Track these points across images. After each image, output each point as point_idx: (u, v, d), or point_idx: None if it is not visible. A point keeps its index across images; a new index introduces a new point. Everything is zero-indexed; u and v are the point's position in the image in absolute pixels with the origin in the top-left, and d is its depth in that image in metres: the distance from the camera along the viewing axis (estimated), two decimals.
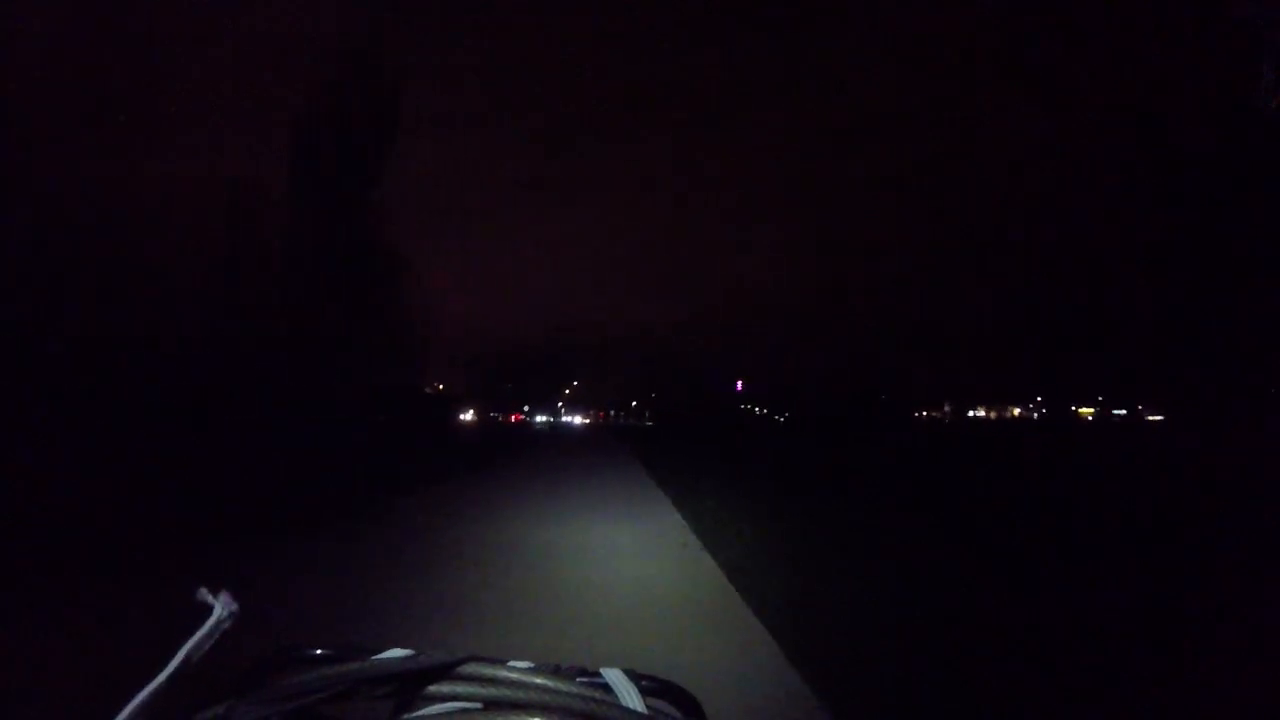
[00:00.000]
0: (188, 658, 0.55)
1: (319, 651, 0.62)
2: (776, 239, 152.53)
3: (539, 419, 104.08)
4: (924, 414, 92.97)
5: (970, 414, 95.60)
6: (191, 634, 0.55)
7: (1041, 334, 65.90)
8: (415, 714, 0.58)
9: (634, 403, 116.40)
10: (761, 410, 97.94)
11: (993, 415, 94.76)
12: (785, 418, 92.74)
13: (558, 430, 67.80)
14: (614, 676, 0.63)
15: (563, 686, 0.59)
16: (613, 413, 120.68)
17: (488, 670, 0.60)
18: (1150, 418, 74.41)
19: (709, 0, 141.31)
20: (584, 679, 0.63)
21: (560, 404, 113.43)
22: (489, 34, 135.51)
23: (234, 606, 0.58)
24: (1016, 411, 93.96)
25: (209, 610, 0.57)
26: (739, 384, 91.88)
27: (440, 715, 0.58)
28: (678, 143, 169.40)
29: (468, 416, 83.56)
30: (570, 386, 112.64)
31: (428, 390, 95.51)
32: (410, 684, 0.59)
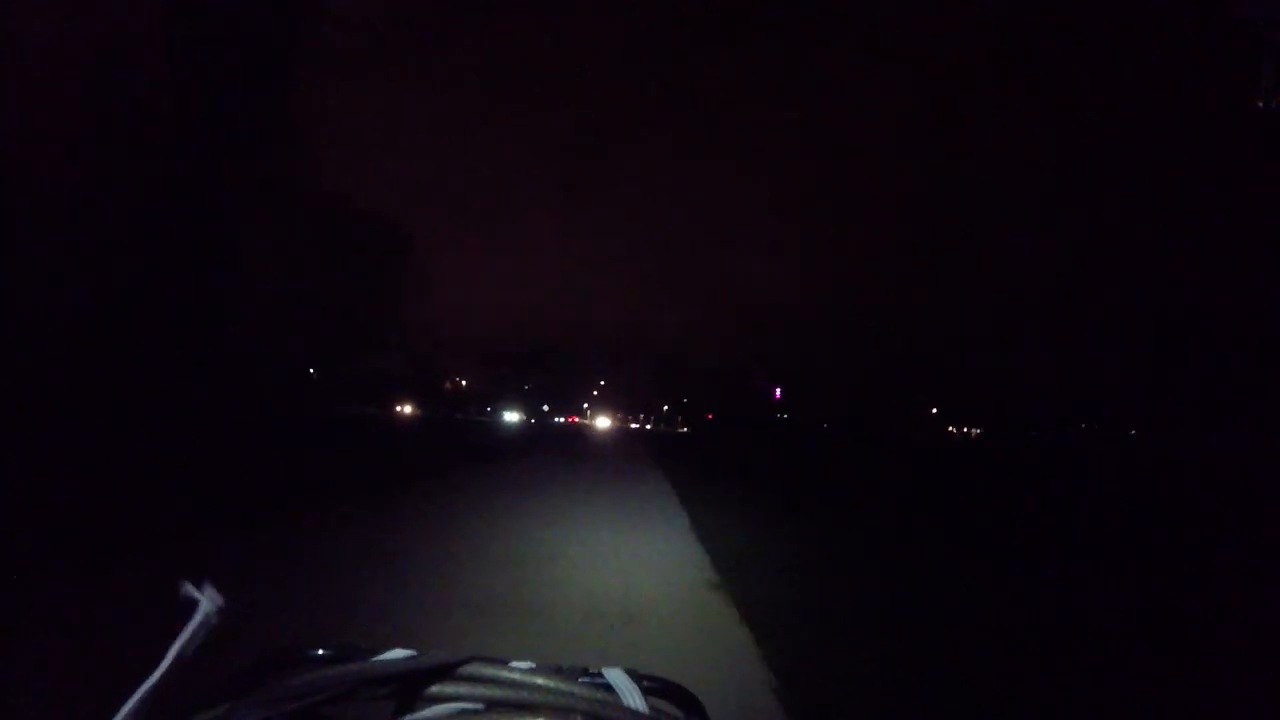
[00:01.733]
0: (180, 654, 0.55)
1: (320, 652, 0.65)
2: (807, 243, 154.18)
3: (508, 416, 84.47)
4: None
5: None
6: (181, 631, 0.56)
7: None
8: (417, 715, 0.60)
9: (665, 407, 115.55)
10: (793, 417, 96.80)
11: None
12: (825, 427, 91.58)
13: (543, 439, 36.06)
14: (616, 676, 0.65)
15: (565, 687, 0.61)
16: (641, 416, 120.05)
17: (489, 670, 0.62)
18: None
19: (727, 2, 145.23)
20: (586, 679, 0.64)
21: (586, 405, 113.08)
22: (512, 37, 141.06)
23: (220, 599, 0.59)
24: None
25: (195, 605, 0.58)
26: (777, 391, 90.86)
27: (442, 716, 0.60)
28: (694, 145, 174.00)
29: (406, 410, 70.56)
30: (597, 387, 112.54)
31: (448, 386, 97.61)
32: (411, 684, 0.61)
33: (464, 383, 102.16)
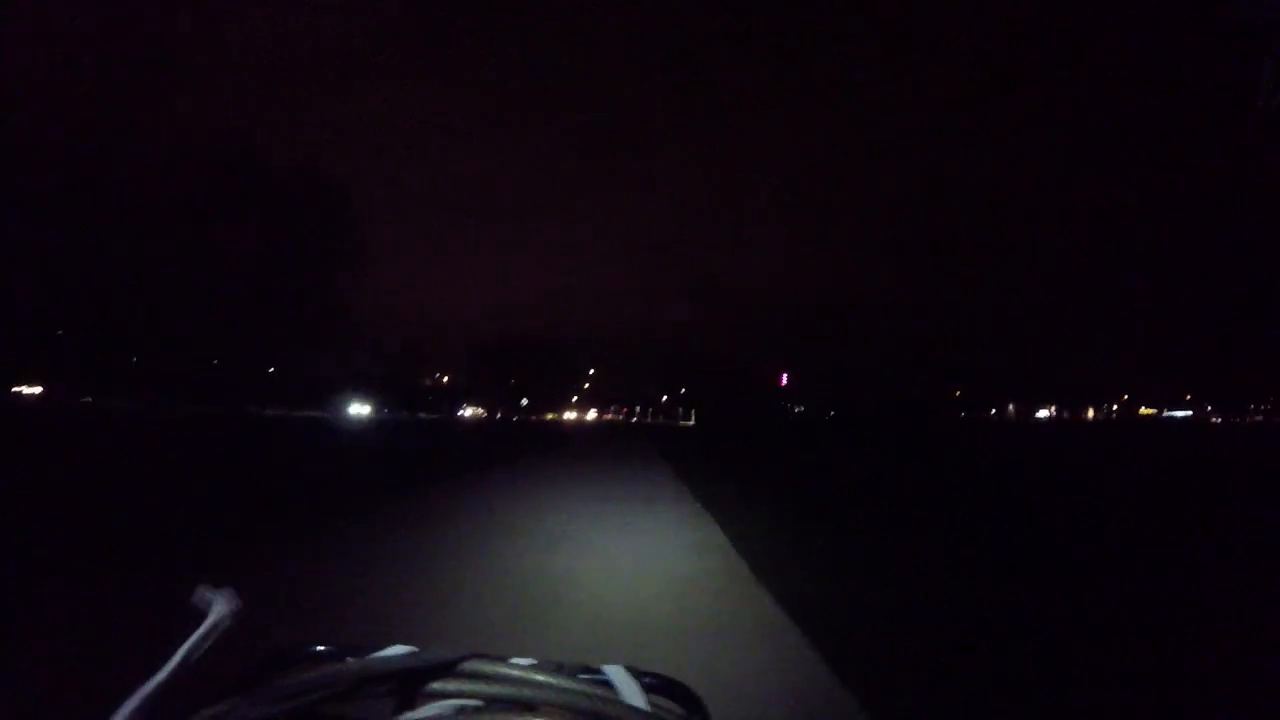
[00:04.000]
0: (186, 657, 0.57)
1: (320, 649, 0.68)
2: (808, 237, 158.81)
3: (354, 409, 69.92)
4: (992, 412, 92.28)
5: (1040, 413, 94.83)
6: (191, 632, 0.59)
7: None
8: (417, 712, 0.62)
9: (664, 398, 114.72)
10: (798, 407, 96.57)
11: (1064, 415, 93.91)
12: (832, 416, 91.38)
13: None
14: (616, 673, 0.67)
15: (565, 683, 0.63)
16: (639, 408, 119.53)
17: (489, 667, 0.64)
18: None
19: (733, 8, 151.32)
20: (586, 676, 0.66)
21: (575, 399, 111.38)
22: (517, 36, 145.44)
23: (235, 605, 0.61)
24: (1091, 413, 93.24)
25: (208, 608, 0.61)
26: (784, 377, 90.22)
27: (442, 713, 0.62)
28: (692, 141, 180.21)
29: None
30: (588, 379, 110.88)
31: (427, 382, 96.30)
32: (411, 682, 0.63)
33: (445, 379, 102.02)
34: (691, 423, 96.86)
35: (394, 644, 0.67)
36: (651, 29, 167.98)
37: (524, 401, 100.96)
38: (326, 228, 47.34)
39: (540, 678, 0.63)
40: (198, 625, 0.60)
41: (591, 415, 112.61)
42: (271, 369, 57.15)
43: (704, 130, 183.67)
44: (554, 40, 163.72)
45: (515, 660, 0.66)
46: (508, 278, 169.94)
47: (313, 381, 61.49)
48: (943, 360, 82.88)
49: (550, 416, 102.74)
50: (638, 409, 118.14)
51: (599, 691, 0.63)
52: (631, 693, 0.64)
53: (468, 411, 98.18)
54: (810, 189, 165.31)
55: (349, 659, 0.65)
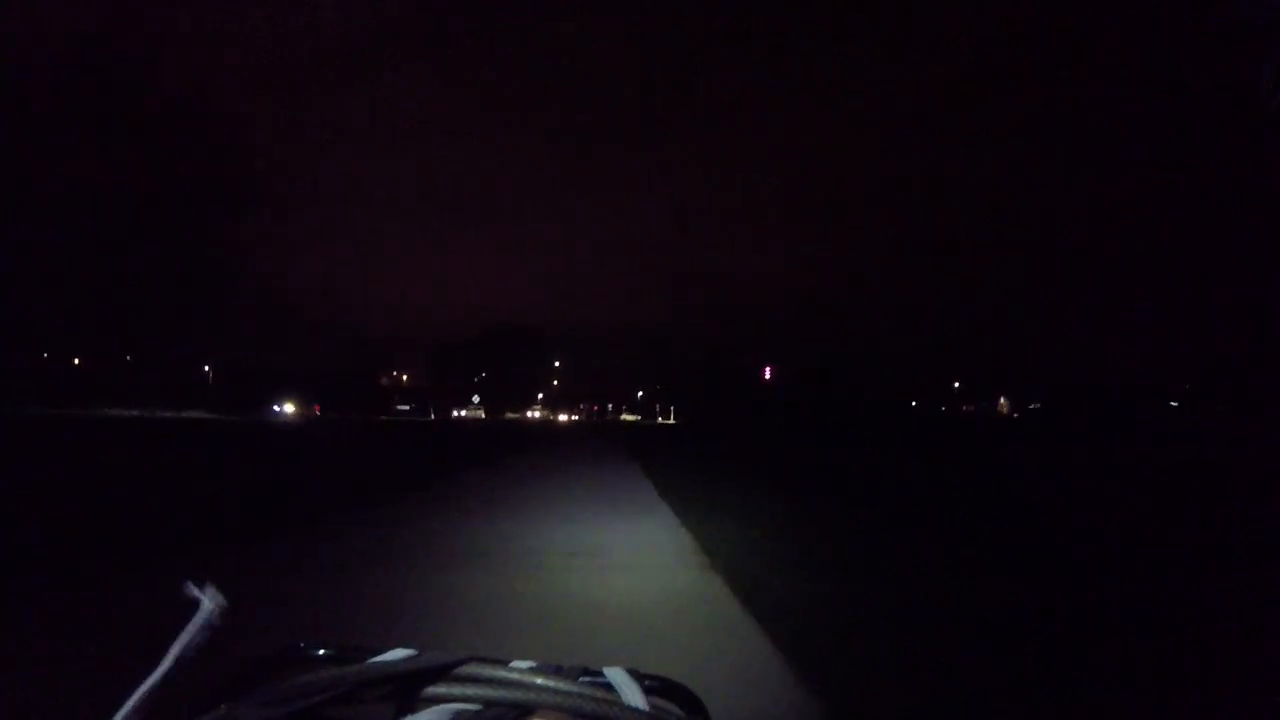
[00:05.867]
0: (180, 655, 0.58)
1: (320, 652, 0.68)
2: (792, 234, 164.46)
3: None
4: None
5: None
6: (181, 631, 0.59)
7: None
8: (417, 717, 0.62)
9: (639, 393, 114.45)
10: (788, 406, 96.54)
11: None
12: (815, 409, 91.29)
13: None
14: (616, 675, 0.67)
15: (565, 686, 0.64)
16: (610, 406, 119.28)
17: (489, 670, 0.65)
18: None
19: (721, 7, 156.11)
20: (586, 678, 0.67)
21: (540, 396, 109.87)
22: (506, 33, 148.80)
23: (222, 599, 0.62)
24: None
25: (197, 606, 0.61)
26: (767, 371, 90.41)
27: (441, 717, 0.62)
28: (670, 140, 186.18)
29: None
30: (555, 374, 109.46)
31: (384, 381, 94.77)
32: (411, 685, 0.64)
33: (404, 377, 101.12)
34: (672, 421, 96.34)
35: (394, 647, 0.68)
36: (651, 29, 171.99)
37: (475, 398, 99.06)
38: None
39: (540, 681, 0.65)
40: (188, 622, 0.61)
41: (535, 414, 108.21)
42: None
43: (704, 130, 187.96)
44: (553, 40, 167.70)
45: (515, 663, 0.67)
46: (503, 275, 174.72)
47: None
48: (943, 359, 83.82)
49: (507, 415, 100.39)
50: (610, 406, 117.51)
51: (599, 694, 0.65)
52: (632, 695, 0.65)
53: (289, 408, 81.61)
54: (810, 188, 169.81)
55: (349, 661, 0.66)
